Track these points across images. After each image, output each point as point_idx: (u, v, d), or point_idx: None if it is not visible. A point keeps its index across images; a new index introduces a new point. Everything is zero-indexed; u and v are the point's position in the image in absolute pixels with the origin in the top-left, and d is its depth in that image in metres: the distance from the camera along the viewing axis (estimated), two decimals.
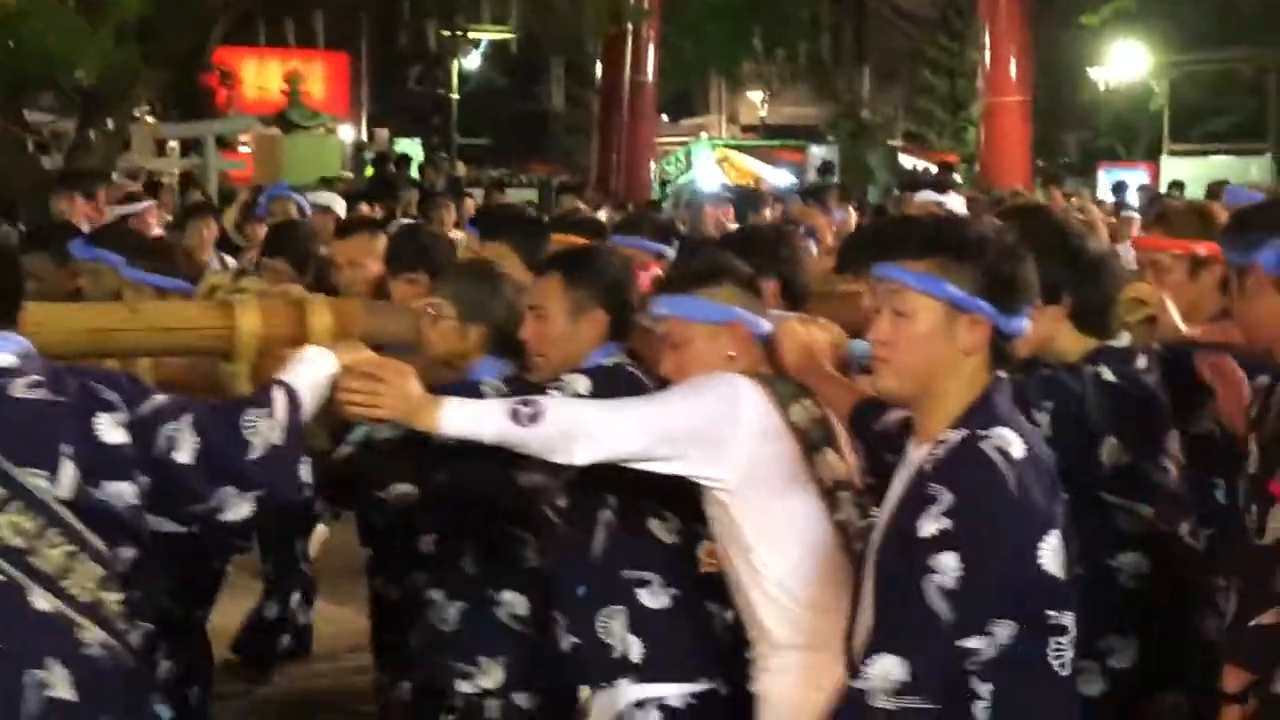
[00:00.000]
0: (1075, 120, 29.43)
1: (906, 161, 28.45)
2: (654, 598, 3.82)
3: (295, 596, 7.15)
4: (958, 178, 21.27)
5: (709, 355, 3.64)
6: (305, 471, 3.35)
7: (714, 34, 28.92)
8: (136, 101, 18.50)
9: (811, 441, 3.57)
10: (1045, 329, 3.81)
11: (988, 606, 2.88)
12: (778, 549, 3.52)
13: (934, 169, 25.94)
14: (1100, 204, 14.45)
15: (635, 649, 3.79)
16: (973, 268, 2.98)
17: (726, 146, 29.39)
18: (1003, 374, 3.07)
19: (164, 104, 24.54)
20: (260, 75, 29.51)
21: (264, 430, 3.27)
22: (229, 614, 7.19)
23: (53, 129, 19.15)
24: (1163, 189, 19.08)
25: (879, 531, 3.10)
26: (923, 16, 32.25)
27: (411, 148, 27.88)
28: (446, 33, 34.34)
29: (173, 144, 23.56)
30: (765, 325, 3.72)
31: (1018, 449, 2.93)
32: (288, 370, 3.44)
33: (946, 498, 2.88)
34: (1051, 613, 2.95)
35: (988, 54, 22.56)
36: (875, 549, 3.08)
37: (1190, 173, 20.66)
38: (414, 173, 22.13)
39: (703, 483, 3.55)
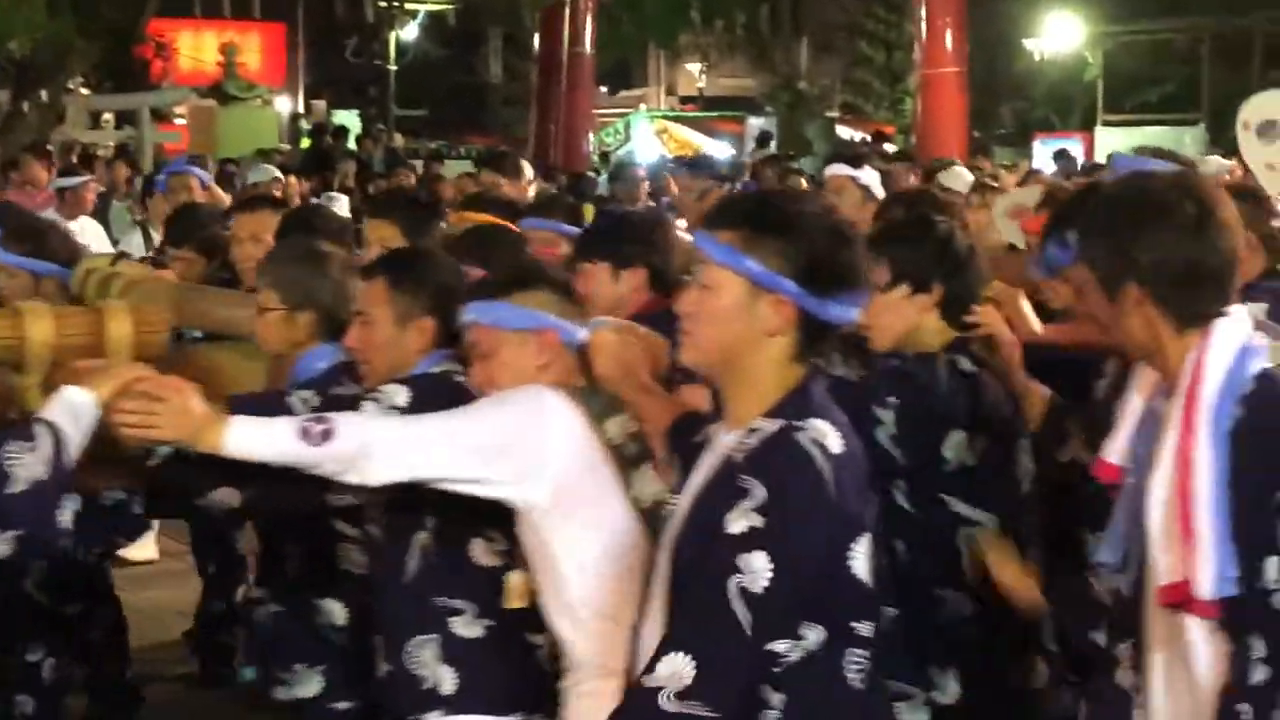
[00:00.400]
0: (1011, 91, 29.59)
1: (844, 132, 28.57)
2: (468, 627, 3.57)
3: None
4: (891, 148, 21.36)
5: (519, 365, 3.42)
6: (65, 516, 3.18)
7: (652, 5, 28.90)
8: (70, 74, 18.37)
9: (627, 458, 3.36)
10: (912, 318, 3.81)
11: (796, 609, 2.74)
12: (592, 572, 3.29)
13: (870, 139, 26.10)
14: (1038, 174, 14.51)
15: (447, 681, 3.56)
16: (783, 246, 2.83)
17: (665, 118, 29.46)
18: (822, 365, 2.95)
19: (98, 76, 24.36)
20: (196, 46, 29.29)
21: (28, 464, 3.10)
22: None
23: None
24: (1100, 159, 19.22)
25: (677, 520, 2.93)
26: None
27: (349, 119, 27.78)
28: (384, 4, 34.18)
29: (107, 116, 23.41)
30: (580, 334, 3.49)
31: (835, 443, 2.78)
32: (48, 408, 3.23)
33: (759, 492, 2.71)
34: (855, 623, 2.81)
35: (923, 26, 22.59)
36: (672, 539, 2.91)
37: (1124, 143, 20.80)
38: (351, 144, 22.04)
39: (512, 503, 3.32)
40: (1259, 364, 2.82)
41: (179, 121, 24.30)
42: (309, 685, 4.23)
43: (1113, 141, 22.16)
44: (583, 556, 3.29)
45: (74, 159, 15.17)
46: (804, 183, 10.09)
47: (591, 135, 25.46)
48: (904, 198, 6.43)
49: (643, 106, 32.80)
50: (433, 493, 3.33)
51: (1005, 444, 3.89)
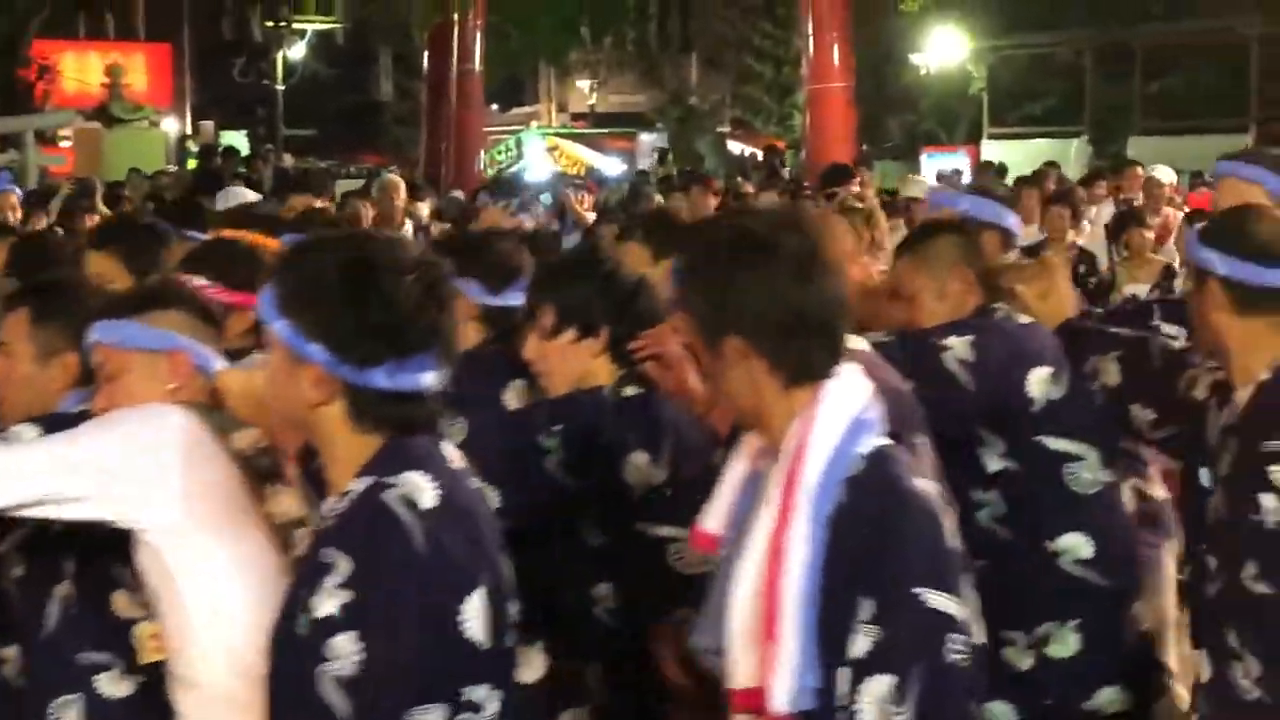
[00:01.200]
0: (899, 105, 29.90)
1: (735, 147, 28.75)
2: (114, 685, 3.23)
3: None
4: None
5: (146, 387, 3.17)
6: None
7: (541, 23, 28.94)
8: None
9: (259, 472, 3.13)
10: (584, 361, 3.60)
11: (400, 692, 2.39)
12: (221, 603, 2.98)
13: (760, 154, 26.27)
14: (917, 202, 14.66)
15: None
16: (315, 306, 2.49)
17: (557, 135, 29.46)
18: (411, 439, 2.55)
19: None
20: (80, 68, 28.93)
21: None
22: None
23: None
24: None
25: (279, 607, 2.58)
26: (747, 4, 32.55)
27: (237, 140, 27.56)
28: (271, 23, 33.97)
29: None
30: (215, 362, 3.25)
31: (429, 497, 2.46)
32: None
33: (344, 565, 2.40)
34: (466, 689, 2.46)
35: (810, 41, 22.80)
36: (272, 630, 2.57)
37: (1009, 155, 21.11)
38: (240, 166, 21.89)
39: (130, 526, 2.99)
40: (872, 440, 2.50)
41: (64, 144, 24.01)
42: None
43: (998, 154, 22.48)
44: (212, 584, 2.98)
45: None
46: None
47: (483, 153, 25.44)
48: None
49: (534, 124, 32.82)
50: (73, 539, 3.10)
51: (695, 461, 3.59)
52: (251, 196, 8.56)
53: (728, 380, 2.54)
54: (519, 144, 27.32)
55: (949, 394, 3.84)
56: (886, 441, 2.54)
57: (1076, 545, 3.94)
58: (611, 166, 25.28)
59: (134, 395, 3.16)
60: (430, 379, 2.52)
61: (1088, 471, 3.95)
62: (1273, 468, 3.16)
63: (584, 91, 37.37)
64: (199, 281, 3.81)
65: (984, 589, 4.03)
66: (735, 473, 2.67)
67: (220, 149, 23.43)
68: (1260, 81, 25.33)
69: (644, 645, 3.61)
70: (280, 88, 33.46)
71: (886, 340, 3.83)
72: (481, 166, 24.68)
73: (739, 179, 17.11)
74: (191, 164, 23.46)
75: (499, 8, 25.27)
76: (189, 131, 30.84)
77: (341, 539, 2.44)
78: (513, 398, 3.84)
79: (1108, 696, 3.97)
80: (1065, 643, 3.95)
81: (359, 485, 2.48)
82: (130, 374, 3.19)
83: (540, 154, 26.59)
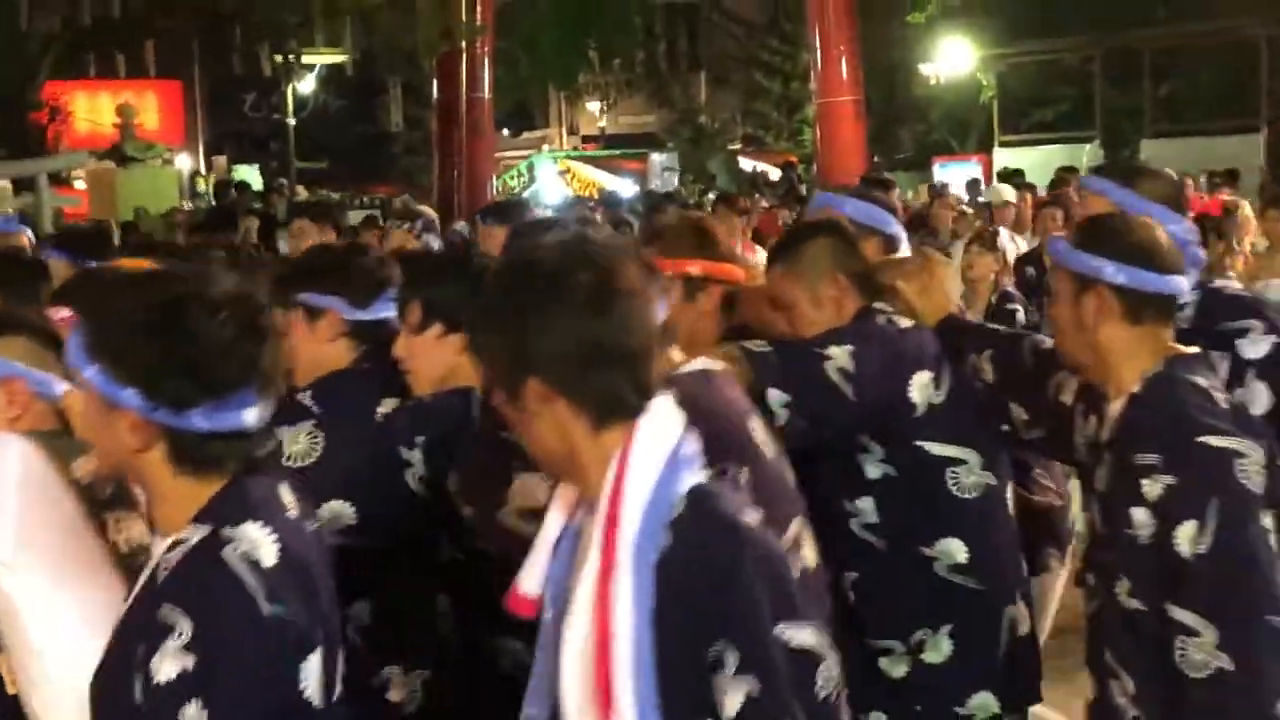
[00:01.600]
0: (910, 115, 29.93)
1: (746, 164, 28.77)
2: None
3: None
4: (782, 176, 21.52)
5: None
6: None
7: (549, 47, 29.02)
8: None
9: (101, 501, 3.00)
10: (449, 359, 3.51)
11: None
12: (65, 646, 2.85)
13: (773, 171, 26.29)
14: (941, 197, 14.71)
15: None
16: (118, 347, 2.39)
17: (568, 158, 29.53)
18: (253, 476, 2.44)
19: None
20: (92, 108, 29.09)
21: None
22: None
23: None
24: (997, 180, 19.44)
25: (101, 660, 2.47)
26: (754, 21, 32.61)
27: (250, 174, 27.66)
28: (280, 58, 34.10)
29: (4, 183, 23.18)
30: (58, 388, 3.13)
31: (270, 553, 2.36)
32: None
33: (185, 626, 2.29)
34: None
35: (818, 55, 22.84)
36: (94, 686, 2.45)
37: (1021, 162, 21.10)
38: (255, 200, 21.96)
39: None
40: (692, 477, 2.32)
41: (79, 185, 24.12)
42: None
43: (1010, 161, 22.46)
44: (55, 630, 2.86)
45: None
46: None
47: (495, 179, 25.50)
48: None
49: (545, 148, 32.90)
50: None
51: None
52: (313, 233, 8.54)
53: (533, 427, 2.36)
54: (531, 169, 27.38)
55: (831, 404, 3.80)
56: (707, 476, 2.35)
57: (952, 550, 3.88)
58: (624, 188, 25.31)
59: None
60: (253, 416, 2.42)
61: (968, 475, 3.91)
62: (1144, 481, 3.08)
63: (594, 114, 37.45)
64: (64, 313, 3.60)
65: (860, 599, 3.90)
66: (551, 528, 2.46)
67: (234, 184, 23.52)
68: (1270, 81, 25.31)
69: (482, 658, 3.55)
70: (291, 121, 33.57)
71: (764, 351, 3.80)
72: (494, 193, 24.73)
73: (755, 195, 17.11)
74: (208, 201, 23.58)
75: (506, 33, 25.34)
76: (202, 168, 30.97)
77: (180, 596, 2.32)
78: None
79: (980, 701, 3.94)
80: (939, 649, 3.91)
81: (194, 535, 2.37)
82: None
83: (552, 178, 26.65)
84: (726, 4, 33.73)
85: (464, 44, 22.91)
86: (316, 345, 3.75)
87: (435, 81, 24.78)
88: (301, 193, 25.63)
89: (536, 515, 2.71)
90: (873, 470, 3.86)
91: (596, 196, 22.77)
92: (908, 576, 3.88)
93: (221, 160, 30.99)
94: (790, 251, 4.03)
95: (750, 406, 3.29)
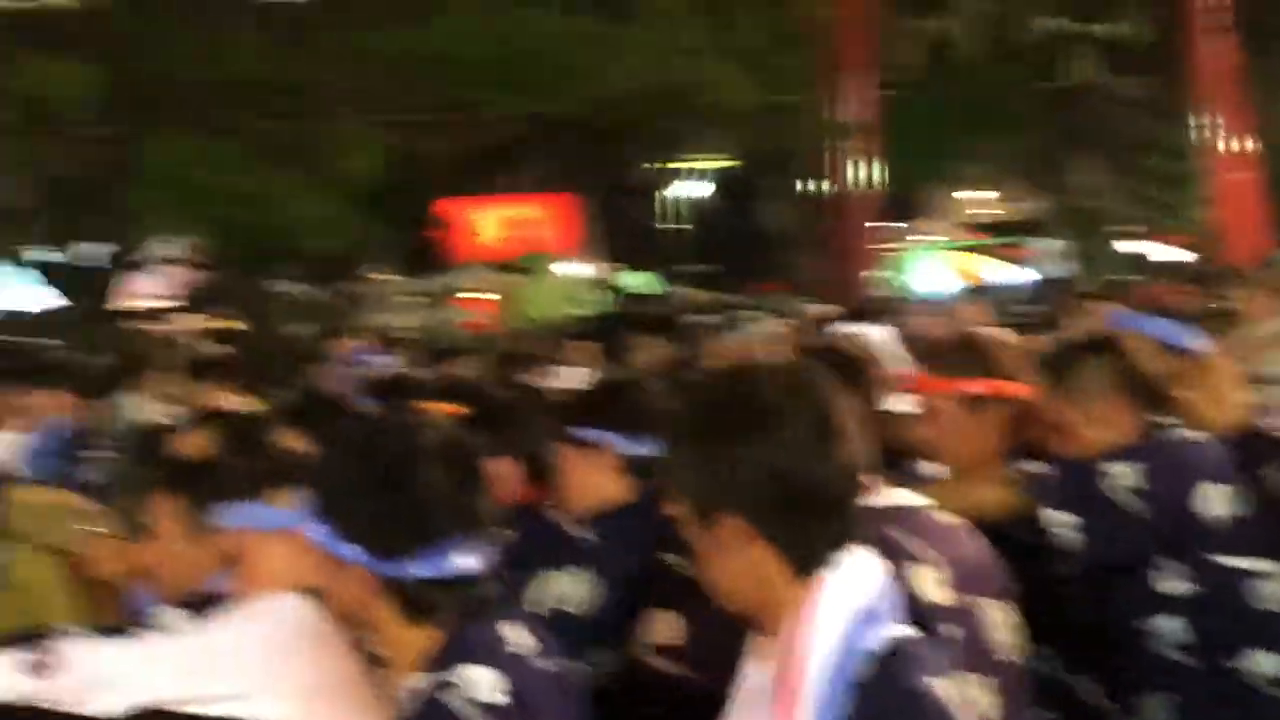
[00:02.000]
0: None
1: (1134, 248, 28.03)
2: None
3: None
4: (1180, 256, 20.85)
5: (279, 567, 3.13)
6: None
7: (934, 139, 28.93)
8: (370, 261, 19.22)
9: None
10: None
11: None
12: None
13: (1164, 254, 25.53)
14: None
15: None
16: (329, 499, 2.48)
17: (948, 248, 29.27)
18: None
19: (397, 261, 25.36)
20: (486, 223, 30.27)
21: None
22: None
23: (291, 294, 19.96)
24: None
25: None
26: (1138, 99, 31.84)
27: (643, 279, 28.29)
28: (665, 164, 34.93)
29: (409, 298, 24.30)
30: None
31: (493, 693, 2.37)
32: None
33: None
34: None
35: (1210, 131, 22.20)
36: None
37: None
38: (647, 304, 22.46)
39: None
40: (885, 634, 2.17)
41: (479, 297, 25.09)
42: None
43: None
44: None
45: (378, 341, 15.82)
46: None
47: (875, 271, 25.50)
48: None
49: (925, 237, 32.70)
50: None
51: None
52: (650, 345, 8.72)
53: (722, 563, 2.22)
54: (910, 259, 27.26)
55: (1120, 524, 3.67)
56: (902, 634, 2.20)
57: (1262, 662, 3.71)
58: (1006, 276, 24.98)
59: (264, 578, 3.12)
60: (470, 562, 2.45)
61: (1272, 585, 3.72)
62: None
63: (973, 201, 37.08)
64: None
65: (1165, 717, 3.77)
66: (750, 682, 2.31)
67: (626, 291, 24.12)
68: None
69: None
70: (677, 226, 34.28)
71: (1046, 472, 3.70)
72: (874, 286, 24.74)
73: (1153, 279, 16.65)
74: (603, 307, 24.24)
75: (891, 127, 25.41)
76: (597, 275, 31.86)
77: None
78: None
79: None
80: None
81: (421, 684, 2.41)
82: (260, 555, 3.14)
83: (933, 268, 26.47)
84: (1112, 84, 33.06)
85: (842, 141, 23.10)
86: (589, 478, 3.81)
87: (819, 179, 25.02)
88: (695, 295, 26.08)
89: (674, 652, 2.73)
90: (1167, 587, 3.76)
91: (977, 286, 22.57)
92: (1217, 692, 3.77)
93: (614, 267, 31.82)
94: (1062, 372, 3.96)
95: (960, 542, 3.14)
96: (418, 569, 2.43)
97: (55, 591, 4.45)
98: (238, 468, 3.33)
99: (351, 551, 2.43)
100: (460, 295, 24.41)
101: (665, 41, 16.59)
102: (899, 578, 2.59)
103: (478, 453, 2.54)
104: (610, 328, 17.98)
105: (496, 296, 23.74)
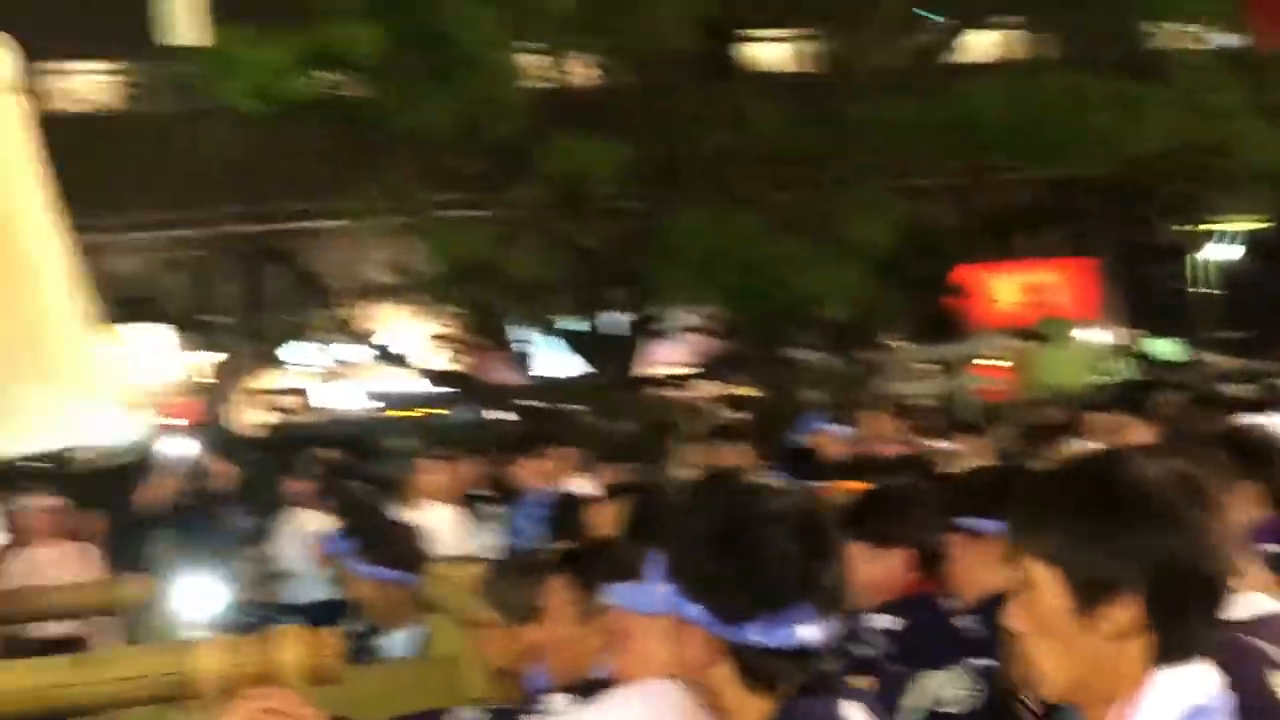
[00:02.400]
0: None
1: None
2: None
3: None
4: None
5: (655, 653, 3.00)
6: None
7: None
8: (884, 329, 19.22)
9: None
10: None
11: None
12: None
13: None
14: None
15: None
16: (677, 560, 2.48)
17: None
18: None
19: (913, 328, 25.31)
20: (1002, 289, 29.86)
21: None
22: None
23: (808, 361, 20.15)
24: None
25: None
26: None
27: (1167, 347, 27.34)
28: (1196, 227, 33.68)
29: (925, 366, 24.19)
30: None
31: None
32: None
33: None
34: None
35: None
36: None
37: None
38: (1172, 373, 21.66)
39: None
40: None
41: (994, 364, 24.76)
42: None
43: None
44: None
45: (893, 411, 15.76)
46: None
47: None
48: None
49: None
50: None
51: None
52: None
53: (1091, 655, 2.06)
54: None
55: None
56: None
57: None
58: None
59: (641, 663, 3.04)
60: (812, 633, 2.41)
61: None
62: None
63: None
64: None
65: None
66: None
67: (1151, 358, 23.33)
68: None
69: None
70: (1206, 290, 32.96)
71: None
72: None
73: None
74: (1123, 375, 23.52)
75: None
76: (1116, 341, 30.97)
77: None
78: None
79: None
80: None
81: None
82: (640, 638, 3.06)
83: None
84: None
85: None
86: (975, 570, 3.69)
87: None
88: (1223, 363, 25.01)
89: None
90: None
91: None
92: None
93: (1135, 333, 30.87)
94: None
95: None
96: (759, 635, 2.42)
97: (471, 666, 4.52)
98: (636, 547, 3.30)
99: (695, 611, 2.45)
100: (977, 363, 24.13)
101: (1193, 100, 15.98)
102: (1261, 684, 2.55)
103: (827, 523, 2.52)
104: (1125, 396, 17.47)
105: (1013, 364, 23.34)
